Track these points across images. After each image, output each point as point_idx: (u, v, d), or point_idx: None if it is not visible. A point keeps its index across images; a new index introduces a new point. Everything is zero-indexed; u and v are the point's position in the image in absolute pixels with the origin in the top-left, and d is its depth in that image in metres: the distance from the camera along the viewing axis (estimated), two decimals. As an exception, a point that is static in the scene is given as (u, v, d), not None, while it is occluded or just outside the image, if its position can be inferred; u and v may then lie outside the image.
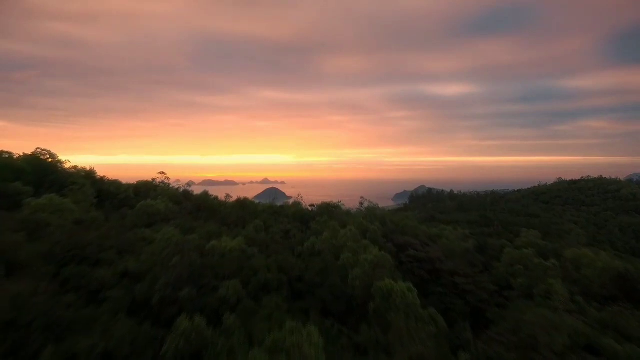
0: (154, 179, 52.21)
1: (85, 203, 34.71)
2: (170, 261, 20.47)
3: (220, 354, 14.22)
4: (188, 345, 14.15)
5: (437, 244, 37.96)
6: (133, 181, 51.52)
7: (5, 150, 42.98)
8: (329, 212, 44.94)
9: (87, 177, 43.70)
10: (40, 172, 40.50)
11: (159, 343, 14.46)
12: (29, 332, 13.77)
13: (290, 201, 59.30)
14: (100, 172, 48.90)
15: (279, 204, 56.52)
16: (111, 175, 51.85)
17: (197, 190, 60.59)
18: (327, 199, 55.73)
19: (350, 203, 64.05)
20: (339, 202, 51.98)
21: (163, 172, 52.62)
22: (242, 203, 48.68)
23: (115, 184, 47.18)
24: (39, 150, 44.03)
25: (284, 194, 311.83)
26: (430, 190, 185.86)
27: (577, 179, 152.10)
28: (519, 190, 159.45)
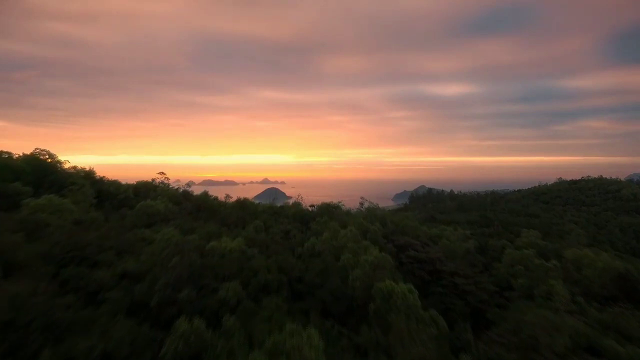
0: (153, 179, 52.17)
1: (85, 203, 34.64)
2: (170, 262, 20.38)
3: (219, 356, 14.13)
4: (187, 347, 14.05)
5: (437, 245, 37.90)
6: (133, 181, 51.51)
7: (5, 150, 43.00)
8: (329, 212, 44.88)
9: (86, 177, 43.63)
10: (40, 172, 40.44)
11: (158, 345, 14.37)
12: (28, 332, 13.69)
13: (290, 201, 59.26)
14: (100, 172, 48.89)
15: (279, 204, 56.48)
16: (111, 175, 51.84)
17: (197, 191, 60.55)
18: (327, 199, 55.68)
19: (350, 203, 64.00)
20: (339, 202, 51.92)
21: (163, 173, 52.61)
22: (242, 203, 48.62)
23: (115, 184, 47.12)
24: (38, 150, 43.98)
25: (284, 194, 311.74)
26: (430, 190, 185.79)
27: (577, 179, 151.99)
28: (519, 190, 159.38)
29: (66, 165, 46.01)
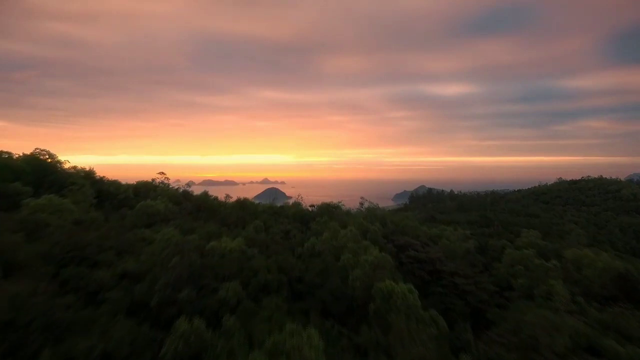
0: (153, 179, 52.16)
1: (85, 203, 34.64)
2: (170, 262, 20.38)
3: (219, 356, 14.13)
4: (187, 347, 14.05)
5: (437, 245, 37.90)
6: (133, 181, 51.52)
7: (5, 150, 43.00)
8: (329, 212, 44.87)
9: (86, 177, 43.63)
10: (40, 172, 40.44)
11: (158, 345, 14.37)
12: (28, 332, 13.69)
13: (290, 201, 59.26)
14: (100, 172, 48.90)
15: (279, 204, 56.48)
16: (111, 175, 51.85)
17: (197, 191, 60.56)
18: (327, 199, 55.68)
19: (350, 203, 64.00)
20: (339, 202, 51.92)
21: (163, 173, 52.60)
22: (242, 203, 48.63)
23: (115, 184, 47.13)
24: (38, 150, 43.99)
25: (284, 194, 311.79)
26: (430, 190, 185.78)
27: (577, 179, 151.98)
28: (519, 190, 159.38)
29: (66, 165, 46.06)
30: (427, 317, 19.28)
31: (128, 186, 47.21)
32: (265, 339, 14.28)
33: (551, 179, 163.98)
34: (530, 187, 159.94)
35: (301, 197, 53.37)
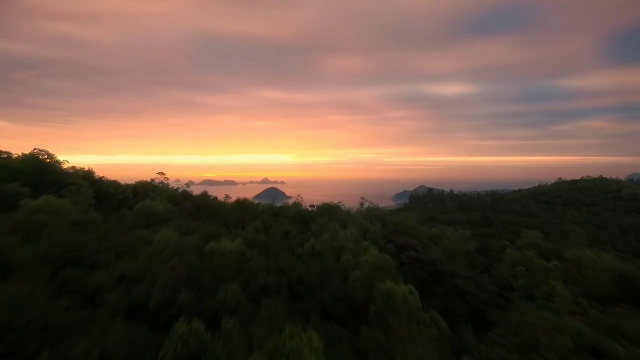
0: (152, 180, 52.04)
1: (84, 204, 34.48)
2: (169, 263, 20.25)
3: (219, 358, 14.01)
4: (186, 349, 13.91)
5: (438, 245, 37.80)
6: (133, 181, 51.40)
7: (5, 150, 42.87)
8: (329, 213, 44.73)
9: (85, 177, 43.50)
10: (39, 172, 40.30)
11: (157, 347, 14.24)
12: (26, 335, 13.55)
13: (290, 201, 59.11)
14: (100, 173, 48.80)
15: (278, 204, 56.36)
16: (111, 175, 51.76)
17: (197, 191, 60.46)
18: (327, 199, 55.55)
19: (351, 203, 63.85)
20: (339, 202, 51.79)
21: (162, 173, 52.49)
22: (242, 204, 48.52)
23: (114, 184, 47.01)
24: (36, 150, 43.85)
25: (284, 194, 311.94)
26: (430, 190, 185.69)
27: (577, 179, 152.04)
28: (519, 191, 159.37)
29: (65, 166, 45.94)
30: (428, 319, 19.17)
31: (127, 186, 47.08)
32: (265, 341, 14.17)
33: (551, 179, 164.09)
34: (530, 187, 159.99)
35: (301, 198, 53.23)
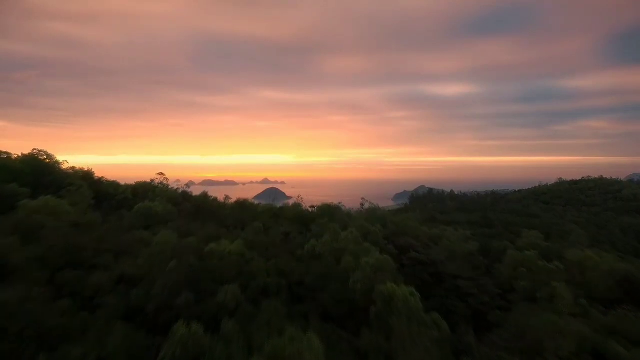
0: (152, 180, 51.77)
1: (83, 204, 34.20)
2: (168, 265, 20.07)
3: (218, 361, 13.85)
4: (185, 352, 13.74)
5: (438, 246, 37.58)
6: (133, 182, 51.10)
7: (5, 150, 42.63)
8: (329, 213, 44.50)
9: (84, 178, 43.26)
10: (38, 173, 40.09)
11: (155, 351, 14.07)
12: (22, 339, 13.40)
13: (290, 202, 58.89)
14: (100, 173, 48.60)
15: (278, 204, 56.07)
16: (111, 175, 51.54)
17: (197, 191, 60.22)
18: (327, 200, 55.31)
19: (351, 203, 63.64)
20: (339, 202, 51.51)
21: (162, 173, 52.19)
22: (242, 204, 48.28)
23: (114, 184, 46.78)
24: (35, 150, 43.64)
25: (284, 194, 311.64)
26: (430, 190, 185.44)
27: (577, 179, 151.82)
28: (519, 191, 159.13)
29: (64, 166, 45.72)
30: (428, 320, 19.00)
31: (127, 187, 46.81)
32: (264, 344, 14.02)
33: (551, 179, 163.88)
34: (530, 187, 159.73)
35: (301, 198, 52.96)
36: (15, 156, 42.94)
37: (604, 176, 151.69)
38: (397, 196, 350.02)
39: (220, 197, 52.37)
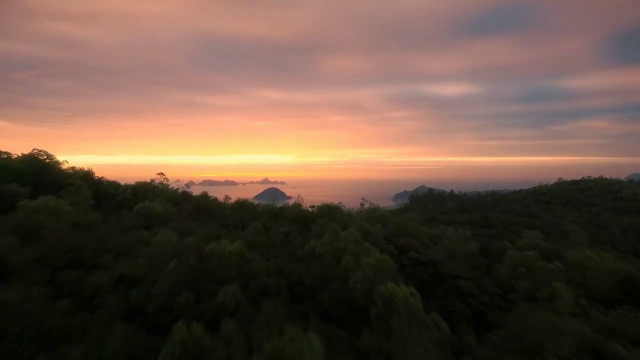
0: (152, 180, 51.81)
1: (83, 205, 34.23)
2: (168, 265, 20.06)
3: (218, 362, 13.83)
4: (185, 353, 13.73)
5: (438, 246, 37.58)
6: (133, 182, 51.19)
7: (5, 150, 42.69)
8: (329, 213, 44.51)
9: (84, 178, 43.29)
10: (38, 173, 40.11)
11: (155, 351, 14.05)
12: (21, 340, 13.38)
13: (290, 202, 58.91)
14: (100, 173, 48.66)
15: (278, 204, 56.10)
16: (111, 175, 51.60)
17: (197, 191, 60.28)
18: (327, 200, 55.35)
19: (351, 203, 63.68)
20: (339, 202, 51.53)
21: (162, 173, 52.21)
22: (242, 204, 48.29)
23: (114, 184, 46.83)
24: (35, 150, 43.65)
25: (284, 194, 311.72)
26: (430, 190, 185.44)
27: (577, 179, 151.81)
28: (519, 191, 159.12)
29: (64, 166, 45.76)
30: (429, 321, 19.00)
31: (127, 187, 46.87)
32: (264, 344, 14.01)
33: (551, 179, 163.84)
34: (530, 187, 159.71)
35: (301, 198, 52.99)
36: (15, 156, 42.97)
37: (604, 176, 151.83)
38: (397, 196, 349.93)
39: (220, 197, 52.45)
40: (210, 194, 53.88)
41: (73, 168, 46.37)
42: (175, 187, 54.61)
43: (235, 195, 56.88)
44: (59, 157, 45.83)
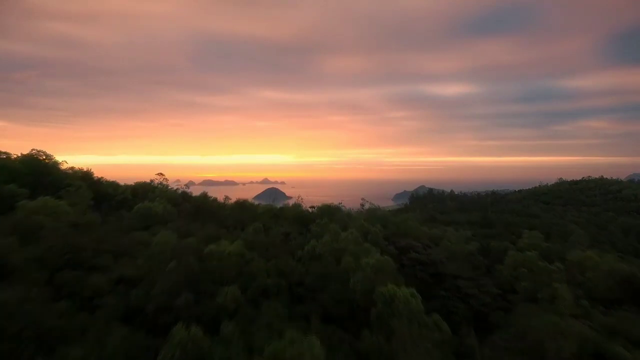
0: (152, 180, 51.67)
1: (82, 205, 34.09)
2: (167, 266, 19.95)
3: (217, 364, 13.74)
4: (184, 355, 13.62)
5: (438, 246, 37.49)
6: (133, 182, 51.05)
7: (5, 150, 42.54)
8: (329, 213, 44.38)
9: (84, 178, 43.14)
10: (37, 173, 39.96)
11: (154, 353, 13.95)
12: (20, 340, 13.29)
13: (290, 202, 58.82)
14: (100, 173, 48.51)
15: (278, 204, 56.01)
16: (111, 175, 51.48)
17: (197, 191, 60.17)
18: (327, 200, 55.26)
19: (351, 203, 63.58)
20: (339, 203, 51.40)
21: (161, 174, 52.06)
22: (242, 205, 48.15)
23: (113, 185, 46.67)
24: (35, 151, 43.49)
25: (284, 194, 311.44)
26: (430, 190, 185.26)
27: (578, 179, 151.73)
28: (519, 191, 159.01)
29: (64, 166, 45.60)
30: (430, 322, 18.87)
31: (126, 187, 46.75)
32: (264, 346, 13.91)
33: (551, 179, 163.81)
34: (530, 187, 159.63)
35: (301, 198, 52.87)
36: (15, 156, 42.82)
37: (604, 176, 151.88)
38: (397, 196, 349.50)
39: (220, 198, 52.32)
40: (210, 194, 53.74)
41: (72, 168, 46.25)
42: (175, 188, 54.49)
43: (235, 195, 56.77)
44: (59, 157, 45.75)
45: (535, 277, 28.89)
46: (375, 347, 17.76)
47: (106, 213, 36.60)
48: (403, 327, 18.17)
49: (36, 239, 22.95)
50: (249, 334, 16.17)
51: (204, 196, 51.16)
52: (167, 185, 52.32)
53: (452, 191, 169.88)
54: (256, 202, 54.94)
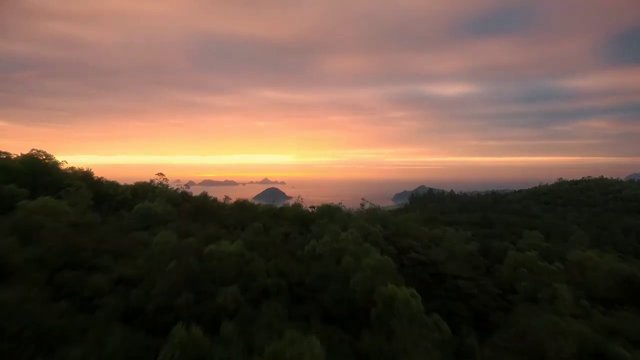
0: (152, 180, 51.73)
1: (82, 205, 34.13)
2: (167, 266, 19.96)
3: (217, 364, 13.74)
4: (184, 355, 13.63)
5: (439, 246, 37.52)
6: (133, 182, 51.14)
7: (5, 150, 42.62)
8: (329, 213, 44.41)
9: (84, 178, 43.19)
10: (37, 173, 40.02)
11: (154, 353, 13.95)
12: (20, 340, 13.29)
13: (290, 202, 58.85)
14: (100, 173, 48.60)
15: (278, 204, 56.04)
16: (111, 175, 51.56)
17: (197, 191, 60.21)
18: (327, 200, 55.29)
19: (351, 203, 63.63)
20: (339, 203, 51.45)
21: (161, 173, 52.11)
22: (242, 205, 48.20)
23: (113, 185, 46.75)
24: (34, 151, 43.54)
25: (284, 194, 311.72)
26: (430, 190, 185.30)
27: (578, 179, 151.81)
28: (519, 191, 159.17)
29: (64, 166, 45.67)
30: (430, 322, 18.88)
31: (126, 187, 46.82)
32: (264, 346, 13.91)
33: (552, 179, 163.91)
34: (530, 187, 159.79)
35: (301, 198, 52.90)
36: (15, 156, 42.86)
37: (604, 176, 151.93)
38: (397, 196, 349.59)
39: (220, 198, 52.37)
40: (210, 194, 53.80)
41: (72, 168, 46.32)
42: (175, 188, 54.53)
43: (235, 195, 56.83)
44: (59, 157, 45.84)
45: (535, 277, 28.92)
46: (375, 347, 17.76)
47: (106, 213, 36.63)
48: (403, 327, 18.17)
49: (36, 239, 22.96)
50: (249, 334, 16.16)
51: (204, 196, 51.21)
52: (167, 185, 52.37)
53: (452, 191, 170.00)
54: (256, 202, 54.98)
